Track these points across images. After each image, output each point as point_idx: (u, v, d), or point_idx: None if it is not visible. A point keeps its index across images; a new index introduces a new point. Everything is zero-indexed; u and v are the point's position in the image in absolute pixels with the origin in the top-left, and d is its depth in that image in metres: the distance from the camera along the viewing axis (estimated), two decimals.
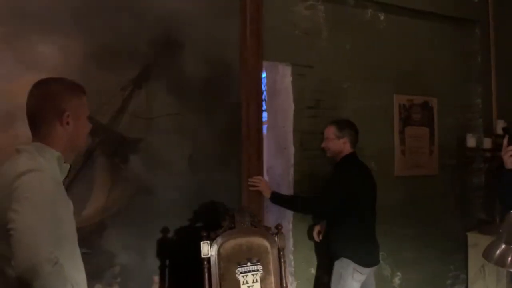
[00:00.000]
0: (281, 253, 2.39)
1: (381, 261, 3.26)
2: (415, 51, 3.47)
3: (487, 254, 1.35)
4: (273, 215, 3.07)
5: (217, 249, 2.24)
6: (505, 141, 2.28)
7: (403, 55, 3.41)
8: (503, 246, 1.31)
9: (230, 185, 2.68)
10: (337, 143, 2.72)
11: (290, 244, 2.96)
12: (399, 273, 3.32)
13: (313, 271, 3.04)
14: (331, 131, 2.74)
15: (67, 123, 1.39)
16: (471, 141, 3.41)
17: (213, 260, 2.22)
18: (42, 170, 1.26)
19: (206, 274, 2.20)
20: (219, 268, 2.23)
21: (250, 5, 2.73)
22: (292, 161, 3.03)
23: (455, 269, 3.57)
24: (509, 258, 1.30)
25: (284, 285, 2.37)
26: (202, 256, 2.21)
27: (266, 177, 3.34)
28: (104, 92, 2.30)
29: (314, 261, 3.04)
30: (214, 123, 2.64)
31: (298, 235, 2.99)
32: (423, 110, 3.47)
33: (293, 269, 2.95)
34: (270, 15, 2.89)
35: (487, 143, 3.40)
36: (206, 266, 2.21)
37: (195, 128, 2.59)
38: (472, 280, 3.38)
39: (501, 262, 1.31)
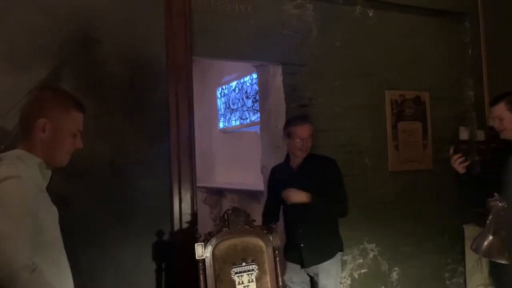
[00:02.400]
0: (276, 252, 2.39)
1: (378, 257, 3.30)
2: (406, 46, 3.47)
3: (475, 246, 1.36)
4: None
5: (211, 250, 2.25)
6: (451, 151, 2.45)
7: (393, 50, 3.42)
8: (491, 237, 1.32)
9: (158, 192, 2.51)
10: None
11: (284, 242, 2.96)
12: (396, 268, 3.32)
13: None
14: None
15: (43, 131, 1.36)
16: (463, 134, 3.40)
17: (208, 261, 2.22)
18: (21, 177, 1.25)
19: (201, 276, 2.21)
20: (214, 269, 2.24)
21: None
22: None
23: (452, 262, 3.57)
24: (497, 249, 1.31)
25: (280, 283, 2.37)
26: (197, 257, 2.21)
27: (260, 176, 3.36)
28: (10, 95, 2.06)
29: None
30: (139, 125, 2.46)
31: None
32: (416, 104, 3.48)
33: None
34: (258, 14, 2.91)
35: (480, 135, 3.41)
36: (201, 267, 2.21)
37: (117, 131, 2.41)
38: (470, 273, 3.38)
39: (489, 253, 1.31)
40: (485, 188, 2.32)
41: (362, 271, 3.21)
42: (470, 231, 3.42)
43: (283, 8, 3.03)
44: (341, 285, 3.14)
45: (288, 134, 2.62)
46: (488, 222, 1.34)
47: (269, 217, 2.67)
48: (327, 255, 2.60)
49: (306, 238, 2.57)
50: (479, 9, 3.69)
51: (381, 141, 3.37)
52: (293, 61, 3.06)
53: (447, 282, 3.57)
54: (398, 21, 3.47)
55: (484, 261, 3.26)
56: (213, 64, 5.25)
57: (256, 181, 3.90)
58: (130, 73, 2.50)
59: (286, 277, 2.64)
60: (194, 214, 2.57)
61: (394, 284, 3.33)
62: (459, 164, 2.42)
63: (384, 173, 3.35)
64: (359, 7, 3.32)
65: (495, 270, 2.17)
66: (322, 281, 2.58)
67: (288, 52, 3.04)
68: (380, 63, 3.36)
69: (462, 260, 3.55)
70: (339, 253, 2.69)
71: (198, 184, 3.03)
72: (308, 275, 2.67)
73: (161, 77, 2.56)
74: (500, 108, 2.40)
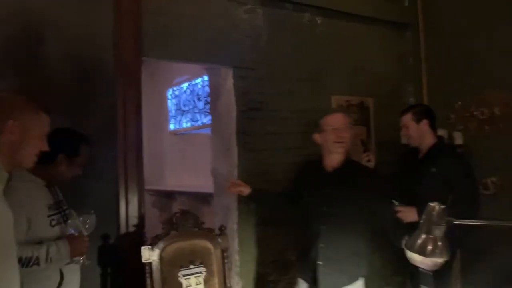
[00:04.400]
0: (225, 254, 2.41)
1: None
2: (351, 53, 3.61)
3: (410, 244, 1.44)
4: (218, 216, 3.09)
5: (159, 254, 2.23)
6: (361, 150, 2.75)
7: (340, 57, 3.54)
8: (423, 236, 1.41)
9: (104, 195, 2.43)
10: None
11: (235, 244, 2.99)
12: None
13: (259, 270, 3.09)
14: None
15: (11, 133, 1.38)
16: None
17: (155, 264, 2.20)
18: None
19: (148, 279, 2.19)
20: (162, 272, 2.22)
21: None
22: (236, 161, 3.06)
23: (394, 261, 3.73)
24: (429, 247, 1.40)
25: (228, 285, 2.40)
26: (143, 261, 2.19)
27: (211, 178, 3.37)
28: None
29: (260, 260, 3.09)
30: (86, 127, 2.30)
31: (244, 235, 3.03)
32: (360, 110, 3.63)
33: (238, 269, 2.99)
34: (209, 17, 2.92)
35: None
36: (148, 271, 2.19)
37: None
38: None
39: (421, 251, 1.40)
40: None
41: None
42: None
43: (234, 12, 3.06)
44: (289, 285, 3.21)
45: (320, 129, 2.37)
46: (421, 222, 1.43)
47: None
48: (348, 279, 2.24)
49: (326, 255, 2.23)
50: (419, 21, 3.91)
51: None
52: (244, 65, 3.10)
53: (389, 280, 3.74)
54: (345, 29, 3.60)
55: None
56: (164, 65, 5.19)
57: (206, 184, 3.90)
58: (77, 74, 2.43)
59: None
60: (141, 217, 2.54)
61: None
62: (367, 162, 2.72)
63: None
64: (307, 14, 3.41)
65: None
66: None
67: (239, 55, 3.08)
68: (327, 69, 3.47)
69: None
70: (362, 279, 2.30)
71: (147, 187, 3.00)
72: None
73: (109, 79, 2.50)
74: (407, 118, 2.73)
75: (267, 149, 3.16)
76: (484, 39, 3.39)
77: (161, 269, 2.22)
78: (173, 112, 5.54)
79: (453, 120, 3.61)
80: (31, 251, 1.73)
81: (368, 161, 2.78)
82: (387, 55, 3.85)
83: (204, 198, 4.27)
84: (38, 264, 1.75)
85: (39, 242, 1.80)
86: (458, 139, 3.43)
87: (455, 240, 1.69)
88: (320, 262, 2.23)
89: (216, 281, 2.36)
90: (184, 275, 2.26)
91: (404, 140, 2.90)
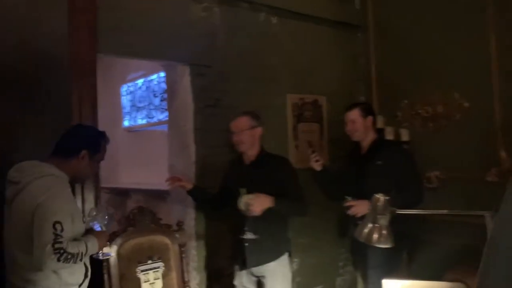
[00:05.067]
0: (182, 249, 2.45)
1: None
2: (305, 53, 3.73)
3: (358, 233, 1.56)
4: (175, 212, 3.12)
5: (116, 250, 2.24)
6: (309, 151, 2.90)
7: (294, 56, 3.65)
8: (370, 225, 1.53)
9: None
10: None
11: (193, 240, 3.03)
12: (296, 259, 3.56)
13: (216, 265, 3.14)
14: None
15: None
16: None
17: (113, 261, 2.21)
18: None
19: (106, 275, 2.19)
20: (119, 268, 2.23)
21: None
22: (193, 158, 3.10)
23: (346, 252, 3.91)
24: (375, 235, 1.52)
25: (186, 279, 2.45)
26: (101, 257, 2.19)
27: (168, 175, 3.37)
28: None
29: (217, 255, 3.15)
30: (41, 124, 2.37)
31: (201, 230, 3.08)
32: (314, 107, 3.76)
33: (196, 263, 3.03)
34: (166, 15, 2.93)
35: None
36: (106, 267, 2.20)
37: (16, 130, 2.32)
38: None
39: (368, 239, 1.52)
40: (341, 186, 2.78)
41: None
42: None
43: (191, 10, 3.09)
44: None
45: None
46: (368, 212, 1.54)
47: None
48: (273, 256, 2.56)
49: (250, 238, 2.52)
50: (369, 23, 4.09)
51: (283, 141, 3.58)
52: (201, 62, 3.14)
53: (341, 271, 3.92)
54: (299, 29, 3.72)
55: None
56: (119, 61, 5.10)
57: (163, 181, 3.88)
58: (31, 70, 2.39)
59: (236, 282, 2.64)
60: None
61: (295, 274, 3.55)
62: (315, 162, 2.85)
63: None
64: (263, 13, 3.49)
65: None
66: (268, 284, 2.54)
67: (196, 53, 3.11)
68: (283, 68, 3.57)
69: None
70: (287, 255, 2.65)
71: (102, 185, 2.97)
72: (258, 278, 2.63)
73: (64, 75, 2.47)
74: (355, 113, 2.92)
75: (225, 145, 3.21)
76: (428, 42, 3.59)
77: (118, 265, 2.23)
78: (127, 109, 5.46)
79: (400, 118, 3.81)
80: (76, 247, 1.80)
81: (317, 161, 2.88)
82: (340, 55, 4.00)
83: (160, 195, 4.25)
84: (81, 259, 1.83)
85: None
86: (405, 135, 3.63)
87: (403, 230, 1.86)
88: (246, 244, 2.52)
89: (174, 275, 2.40)
90: (142, 271, 2.29)
91: (354, 137, 3.01)
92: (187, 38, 3.05)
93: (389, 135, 3.63)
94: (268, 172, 2.58)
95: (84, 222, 2.00)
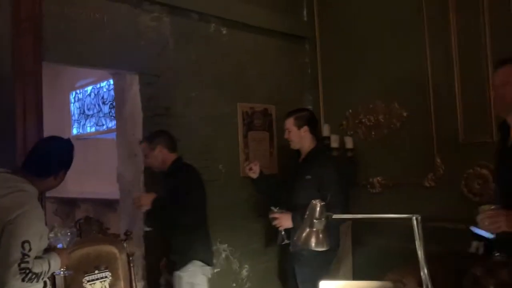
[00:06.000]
0: (130, 259, 2.45)
1: (230, 256, 3.56)
2: (254, 63, 3.83)
3: (296, 237, 1.65)
4: (124, 222, 3.10)
5: None
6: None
7: (244, 66, 3.74)
8: (308, 229, 1.62)
9: None
10: None
11: (142, 249, 3.02)
12: (246, 265, 3.62)
13: (165, 274, 3.14)
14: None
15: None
16: None
17: (64, 275, 2.17)
18: None
19: (51, 287, 2.15)
20: (65, 280, 2.20)
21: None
22: (142, 167, 3.10)
23: None
24: (312, 239, 1.61)
25: None
26: None
27: (116, 184, 3.34)
28: None
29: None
30: None
31: (151, 240, 3.07)
32: (264, 116, 3.86)
33: (145, 273, 3.02)
34: (114, 24, 2.93)
35: None
36: (50, 278, 2.16)
37: None
38: None
39: (306, 242, 1.61)
40: (279, 194, 2.85)
41: (215, 270, 3.43)
42: None
43: (140, 19, 3.10)
44: None
45: None
46: (305, 217, 1.63)
47: None
48: (180, 264, 2.66)
49: (171, 244, 2.72)
50: (316, 34, 4.25)
51: (234, 149, 3.65)
52: (150, 71, 3.15)
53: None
54: (249, 40, 3.81)
55: None
56: (68, 67, 5.00)
57: (112, 190, 3.85)
58: None
59: None
60: None
61: (244, 281, 3.62)
62: (249, 170, 2.91)
63: (236, 178, 3.62)
64: (213, 24, 3.56)
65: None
66: None
67: (145, 62, 3.12)
68: (232, 77, 3.65)
69: None
70: (196, 263, 2.67)
71: (48, 195, 2.90)
72: None
73: (7, 84, 2.43)
74: (289, 122, 2.91)
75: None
76: (371, 54, 3.79)
77: (64, 276, 2.20)
78: (76, 116, 5.34)
79: (344, 126, 3.99)
80: (40, 266, 1.77)
81: (250, 169, 2.94)
82: (288, 65, 4.13)
83: (109, 204, 4.20)
84: (43, 278, 1.81)
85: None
86: (349, 143, 3.80)
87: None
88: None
89: (122, 285, 2.40)
90: (88, 281, 2.27)
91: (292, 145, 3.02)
92: (135, 47, 3.06)
93: (334, 143, 3.79)
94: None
95: (48, 239, 1.96)
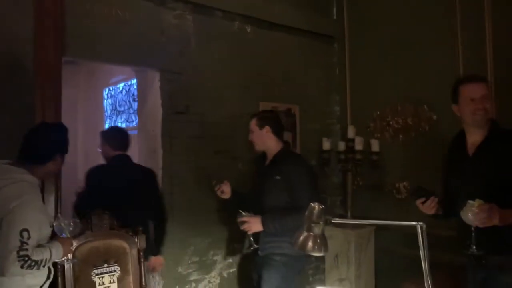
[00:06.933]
0: (141, 254, 2.47)
1: None
2: (279, 62, 3.77)
3: (295, 241, 1.58)
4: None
5: (72, 252, 2.24)
6: (213, 183, 2.79)
7: (268, 65, 3.69)
8: (305, 233, 1.56)
9: None
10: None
11: None
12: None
13: (180, 270, 3.16)
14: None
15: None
16: (326, 144, 3.81)
17: (67, 263, 2.22)
18: None
19: (60, 278, 2.20)
20: (74, 271, 2.24)
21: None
22: (160, 164, 3.13)
23: (316, 260, 3.93)
24: (309, 243, 1.55)
25: (144, 284, 2.45)
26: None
27: None
28: None
29: (182, 260, 3.17)
30: (2, 128, 2.35)
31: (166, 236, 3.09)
32: (287, 116, 3.79)
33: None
34: (136, 21, 2.97)
35: (341, 146, 3.82)
36: (60, 270, 2.21)
37: None
38: (328, 269, 3.76)
39: (303, 246, 1.55)
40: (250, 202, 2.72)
41: (231, 270, 3.41)
42: (328, 230, 3.75)
43: (163, 17, 3.13)
44: (211, 285, 3.31)
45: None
46: (304, 221, 1.57)
47: None
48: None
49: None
50: (345, 34, 4.14)
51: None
52: (171, 69, 3.17)
53: (311, 279, 3.94)
54: (274, 39, 3.76)
55: (340, 258, 3.67)
56: (102, 65, 5.14)
57: None
58: None
59: None
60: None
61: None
62: (221, 193, 2.78)
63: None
64: (237, 22, 3.54)
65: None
66: None
67: (166, 59, 3.14)
68: (256, 76, 3.61)
69: (322, 258, 3.93)
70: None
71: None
72: None
73: (28, 78, 2.49)
74: (252, 123, 2.74)
75: (193, 152, 3.24)
76: (401, 55, 3.65)
77: (73, 268, 2.24)
78: (108, 112, 5.47)
79: (371, 129, 3.87)
80: (41, 254, 1.84)
81: (222, 192, 2.79)
82: (315, 65, 4.05)
83: None
84: (45, 265, 1.88)
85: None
86: (375, 146, 3.67)
87: None
88: None
89: (131, 279, 2.41)
90: (97, 274, 2.29)
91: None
92: (157, 44, 3.08)
93: (359, 145, 3.67)
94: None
95: (51, 227, 2.01)
